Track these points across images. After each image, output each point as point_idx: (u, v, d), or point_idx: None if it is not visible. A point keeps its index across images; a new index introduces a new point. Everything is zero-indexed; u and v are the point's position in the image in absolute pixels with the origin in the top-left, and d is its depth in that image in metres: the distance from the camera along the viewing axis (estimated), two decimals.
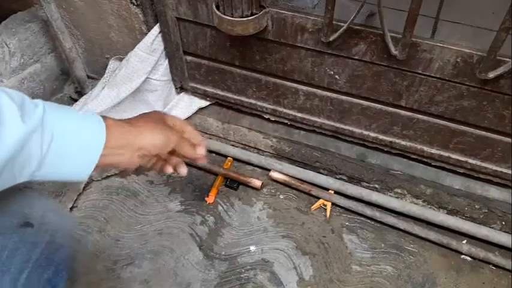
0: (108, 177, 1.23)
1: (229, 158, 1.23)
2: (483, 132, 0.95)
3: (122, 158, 0.58)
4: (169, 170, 0.70)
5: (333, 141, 1.16)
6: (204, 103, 1.25)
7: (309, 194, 1.15)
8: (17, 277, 0.58)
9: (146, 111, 0.67)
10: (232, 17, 0.87)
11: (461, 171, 1.05)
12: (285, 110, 1.14)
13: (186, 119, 1.26)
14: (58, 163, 0.52)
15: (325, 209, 1.13)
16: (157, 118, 0.65)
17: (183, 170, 0.72)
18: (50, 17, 1.14)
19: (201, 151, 0.70)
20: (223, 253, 1.07)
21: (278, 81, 1.07)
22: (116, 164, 0.59)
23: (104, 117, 0.57)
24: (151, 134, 0.61)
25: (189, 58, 1.14)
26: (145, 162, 0.63)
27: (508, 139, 0.93)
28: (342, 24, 0.84)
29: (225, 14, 0.88)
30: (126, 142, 0.58)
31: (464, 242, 1.04)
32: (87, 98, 1.21)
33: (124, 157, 0.59)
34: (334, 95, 1.04)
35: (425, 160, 1.07)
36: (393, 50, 0.84)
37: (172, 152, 0.67)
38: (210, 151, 1.24)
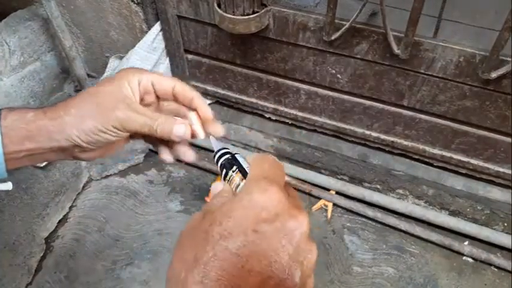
0: (107, 176, 1.22)
1: None
2: (485, 133, 0.94)
3: (56, 155, 0.47)
4: (164, 156, 0.51)
5: (335, 141, 1.15)
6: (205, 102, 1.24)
7: (309, 194, 1.15)
8: None
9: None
10: (233, 15, 0.87)
11: (464, 171, 1.04)
12: (286, 109, 1.13)
13: None
14: None
15: (326, 210, 1.13)
16: (97, 100, 0.46)
17: (188, 156, 0.50)
18: (50, 15, 1.14)
19: (180, 134, 0.46)
20: None
21: (279, 80, 1.07)
22: (56, 160, 0.50)
23: (4, 112, 0.45)
24: (78, 123, 0.44)
25: (189, 56, 1.14)
26: (99, 153, 0.49)
27: (510, 139, 0.93)
28: (344, 23, 0.84)
29: (226, 12, 0.87)
30: (46, 142, 0.45)
31: (466, 243, 1.04)
32: None
33: (59, 155, 0.47)
34: (336, 94, 1.03)
35: (427, 160, 1.06)
36: (395, 49, 0.83)
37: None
38: (210, 151, 1.23)
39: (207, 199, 1.15)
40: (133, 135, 0.49)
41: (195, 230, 0.33)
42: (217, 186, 0.40)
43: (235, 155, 0.43)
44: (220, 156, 0.43)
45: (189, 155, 0.50)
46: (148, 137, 0.50)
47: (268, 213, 0.32)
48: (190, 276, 0.30)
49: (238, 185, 0.39)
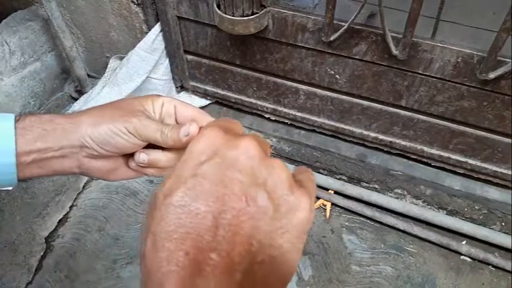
0: None
1: None
2: (483, 133, 0.95)
3: (63, 162, 0.46)
4: (145, 171, 0.50)
5: (333, 141, 1.16)
6: (204, 102, 1.25)
7: None
8: None
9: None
10: (233, 16, 0.88)
11: (461, 171, 1.05)
12: (285, 110, 1.14)
13: None
14: None
15: (325, 209, 1.13)
16: (118, 105, 0.47)
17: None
18: (50, 15, 1.14)
19: (187, 131, 0.44)
20: None
21: (278, 80, 1.07)
22: (62, 171, 0.47)
23: (24, 116, 0.45)
24: (93, 124, 0.45)
25: (189, 57, 1.14)
26: (105, 166, 0.48)
27: (508, 140, 0.93)
28: (343, 24, 0.84)
29: (226, 13, 0.88)
30: (58, 141, 0.45)
31: (463, 242, 1.04)
32: (87, 97, 1.21)
33: (66, 160, 0.46)
34: (335, 95, 1.04)
35: (425, 160, 1.07)
36: (394, 50, 0.84)
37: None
38: None
39: None
40: (141, 150, 0.48)
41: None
42: None
43: None
44: None
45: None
46: (155, 151, 0.49)
47: (205, 155, 0.30)
48: (144, 246, 0.28)
49: None
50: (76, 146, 0.45)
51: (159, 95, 0.49)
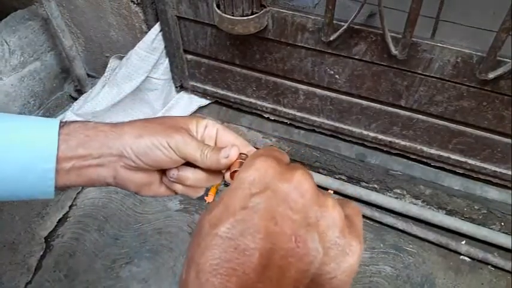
0: None
1: None
2: (483, 133, 0.95)
3: (100, 170, 0.46)
4: (174, 187, 0.50)
5: (333, 141, 1.16)
6: (204, 102, 1.25)
7: None
8: None
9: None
10: (232, 15, 0.88)
11: (461, 171, 1.05)
12: (284, 109, 1.14)
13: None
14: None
15: None
16: (162, 121, 0.48)
17: (194, 193, 0.51)
18: (50, 15, 1.14)
19: (227, 153, 0.45)
20: None
21: (278, 80, 1.07)
22: (97, 180, 0.47)
23: (69, 122, 0.46)
24: (136, 135, 0.45)
25: (189, 57, 1.14)
26: (140, 179, 0.48)
27: (507, 140, 0.93)
28: (343, 23, 0.84)
29: (225, 13, 0.88)
30: (98, 148, 0.45)
31: (463, 242, 1.04)
32: (87, 96, 1.21)
33: (103, 169, 0.46)
34: (334, 95, 1.04)
35: (425, 160, 1.07)
36: (393, 50, 0.84)
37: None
38: None
39: (207, 199, 1.16)
40: (179, 167, 0.48)
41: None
42: None
43: None
44: None
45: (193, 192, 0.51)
46: (186, 167, 0.49)
47: (257, 187, 0.28)
48: (187, 275, 0.27)
49: None
50: (115, 155, 0.45)
51: (204, 117, 0.51)
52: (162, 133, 0.45)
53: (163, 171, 0.49)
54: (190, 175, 0.48)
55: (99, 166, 0.46)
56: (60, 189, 0.46)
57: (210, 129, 0.49)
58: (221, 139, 0.49)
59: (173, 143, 0.45)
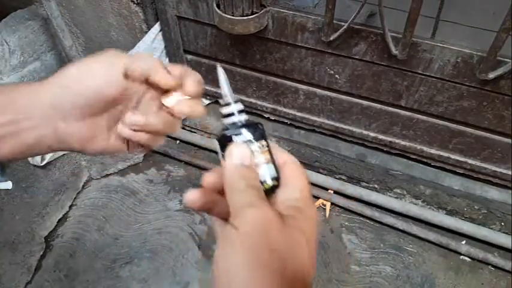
0: (107, 175, 1.23)
1: None
2: (483, 133, 0.95)
3: (36, 132, 0.40)
4: (131, 137, 0.43)
5: (333, 141, 1.16)
6: (204, 102, 1.25)
7: None
8: None
9: None
10: (232, 15, 0.87)
11: (461, 171, 1.05)
12: (284, 109, 1.14)
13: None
14: None
15: (325, 209, 1.13)
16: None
17: (154, 141, 0.44)
18: (50, 15, 1.14)
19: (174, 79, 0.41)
20: None
21: (278, 80, 1.07)
22: (37, 145, 0.41)
23: None
24: (63, 80, 0.39)
25: (189, 57, 1.14)
26: (84, 132, 0.41)
27: (507, 140, 0.93)
28: (343, 23, 0.84)
29: (225, 13, 0.88)
30: (26, 107, 0.39)
31: (463, 242, 1.04)
32: None
33: (39, 130, 0.40)
34: (334, 95, 1.03)
35: (425, 160, 1.07)
36: (393, 50, 0.84)
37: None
38: (209, 150, 1.24)
39: None
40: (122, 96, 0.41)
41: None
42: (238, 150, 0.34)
43: (261, 124, 0.36)
44: (240, 112, 0.36)
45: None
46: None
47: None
48: None
49: (261, 165, 0.33)
50: (46, 108, 0.39)
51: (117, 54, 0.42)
52: (95, 59, 0.40)
53: (110, 124, 0.42)
54: (150, 118, 0.42)
55: (34, 128, 0.40)
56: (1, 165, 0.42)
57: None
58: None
59: (119, 62, 0.40)
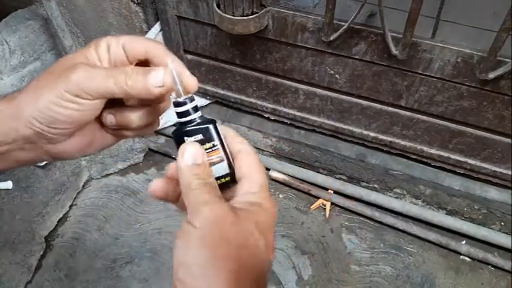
0: (107, 175, 1.23)
1: None
2: (483, 133, 0.95)
3: (24, 153, 0.39)
4: (121, 133, 0.41)
5: (333, 141, 1.16)
6: (204, 102, 1.25)
7: (308, 193, 1.15)
8: None
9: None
10: (233, 15, 0.87)
11: (461, 171, 1.05)
12: (285, 109, 1.14)
13: None
14: None
15: (325, 209, 1.13)
16: (53, 67, 0.38)
17: (148, 130, 0.42)
18: (50, 14, 1.14)
19: (158, 80, 0.36)
20: None
21: (278, 80, 1.07)
22: (29, 161, 0.39)
23: None
24: (32, 100, 0.36)
25: (189, 57, 1.14)
26: (75, 145, 0.39)
27: (507, 140, 0.93)
28: (343, 23, 0.84)
29: (225, 13, 0.88)
30: (7, 133, 0.37)
31: (463, 242, 1.04)
32: None
33: (27, 153, 0.39)
34: (334, 95, 1.04)
35: (425, 160, 1.07)
36: (394, 50, 0.84)
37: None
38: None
39: None
40: (101, 114, 0.39)
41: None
42: (192, 150, 0.34)
43: (215, 121, 0.36)
44: (195, 109, 0.35)
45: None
46: (122, 109, 0.40)
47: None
48: None
49: (215, 162, 0.34)
50: (28, 135, 0.37)
51: (103, 38, 0.39)
52: (57, 81, 0.35)
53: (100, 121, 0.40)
54: (132, 116, 0.39)
55: (21, 150, 0.38)
56: None
57: (115, 47, 0.38)
58: (132, 53, 0.39)
59: (73, 87, 0.35)
